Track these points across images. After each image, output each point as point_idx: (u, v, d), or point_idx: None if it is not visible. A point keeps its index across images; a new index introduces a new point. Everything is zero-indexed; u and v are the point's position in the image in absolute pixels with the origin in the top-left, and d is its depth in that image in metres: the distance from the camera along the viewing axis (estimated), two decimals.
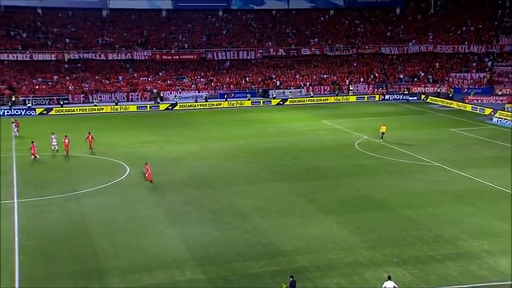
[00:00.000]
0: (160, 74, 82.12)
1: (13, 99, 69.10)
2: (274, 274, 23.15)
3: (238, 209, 31.33)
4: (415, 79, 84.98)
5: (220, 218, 29.89)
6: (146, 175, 36.82)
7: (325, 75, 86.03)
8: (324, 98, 79.41)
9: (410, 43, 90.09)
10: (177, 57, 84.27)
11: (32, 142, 42.94)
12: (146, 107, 71.99)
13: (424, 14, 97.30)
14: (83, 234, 27.51)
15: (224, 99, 76.37)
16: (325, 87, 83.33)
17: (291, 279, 20.91)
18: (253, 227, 28.58)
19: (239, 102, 75.96)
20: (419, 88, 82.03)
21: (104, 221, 29.40)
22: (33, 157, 42.25)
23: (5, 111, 65.44)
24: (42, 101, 70.89)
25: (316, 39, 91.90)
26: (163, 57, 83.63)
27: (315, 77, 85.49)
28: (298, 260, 24.60)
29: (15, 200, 32.49)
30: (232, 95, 78.66)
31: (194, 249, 25.65)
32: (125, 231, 27.93)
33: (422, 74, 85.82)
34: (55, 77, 76.50)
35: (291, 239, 26.96)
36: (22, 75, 75.48)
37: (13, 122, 52.65)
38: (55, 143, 45.02)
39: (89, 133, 46.33)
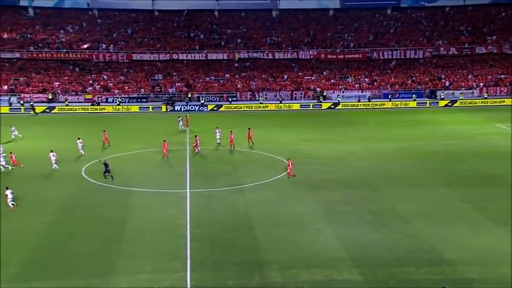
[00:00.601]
0: (324, 73, 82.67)
1: (189, 95, 74.82)
2: (437, 283, 22.04)
3: (399, 212, 30.39)
4: None
5: (380, 220, 29.25)
6: (288, 170, 37.60)
7: (502, 76, 79.49)
8: (500, 100, 73.57)
9: None
10: (341, 56, 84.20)
11: (195, 136, 46.05)
12: (309, 105, 73.04)
13: None
14: (246, 226, 28.80)
15: (388, 100, 74.53)
16: (502, 89, 77.03)
17: None
18: (414, 232, 27.53)
19: (403, 102, 73.58)
20: None
21: (265, 215, 30.46)
22: (195, 150, 45.20)
23: (182, 106, 71.15)
24: (213, 98, 75.68)
25: (494, 37, 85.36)
26: (328, 56, 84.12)
27: (490, 77, 79.49)
28: (465, 270, 23.16)
29: (188, 190, 35.07)
30: (397, 95, 76.37)
31: (352, 250, 25.46)
32: (284, 227, 28.65)
33: None
34: (226, 75, 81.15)
35: (456, 248, 25.45)
36: (198, 74, 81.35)
37: (179, 117, 57.15)
38: (219, 137, 47.79)
39: (249, 129, 48.45)
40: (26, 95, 73.53)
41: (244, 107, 72.60)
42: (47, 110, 69.23)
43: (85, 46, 79.74)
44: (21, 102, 71.44)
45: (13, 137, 50.02)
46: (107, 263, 24.22)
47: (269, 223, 29.19)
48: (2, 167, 39.42)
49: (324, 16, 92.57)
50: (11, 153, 40.49)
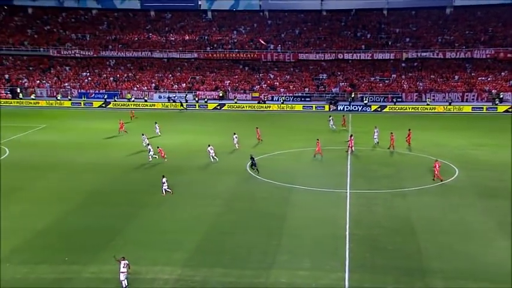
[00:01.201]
0: (502, 73, 76.35)
1: (352, 95, 74.31)
2: None
3: None
4: None
5: None
6: (435, 173, 35.84)
7: None
8: None
9: None
10: None
11: (351, 136, 45.90)
12: (482, 108, 68.05)
13: None
14: (407, 231, 27.84)
15: None
16: None
17: None
18: None
19: None
20: None
21: (428, 220, 29.16)
22: (349, 150, 45.02)
23: (345, 106, 70.89)
24: (377, 98, 74.16)
25: None
26: (508, 55, 77.38)
27: None
28: None
29: (348, 190, 34.89)
30: None
31: None
32: (450, 234, 27.19)
33: None
34: (393, 75, 79.00)
35: None
36: (362, 74, 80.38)
37: (330, 116, 57.07)
38: (376, 136, 47.64)
39: (409, 130, 47.36)
40: (200, 92, 79.21)
41: (409, 108, 70.01)
42: (218, 107, 73.71)
43: (261, 41, 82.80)
44: (197, 99, 77.00)
45: (158, 133, 53.91)
46: (268, 256, 25.10)
47: (433, 229, 27.90)
48: (151, 157, 42.99)
49: (508, 12, 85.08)
50: (158, 147, 43.59)
